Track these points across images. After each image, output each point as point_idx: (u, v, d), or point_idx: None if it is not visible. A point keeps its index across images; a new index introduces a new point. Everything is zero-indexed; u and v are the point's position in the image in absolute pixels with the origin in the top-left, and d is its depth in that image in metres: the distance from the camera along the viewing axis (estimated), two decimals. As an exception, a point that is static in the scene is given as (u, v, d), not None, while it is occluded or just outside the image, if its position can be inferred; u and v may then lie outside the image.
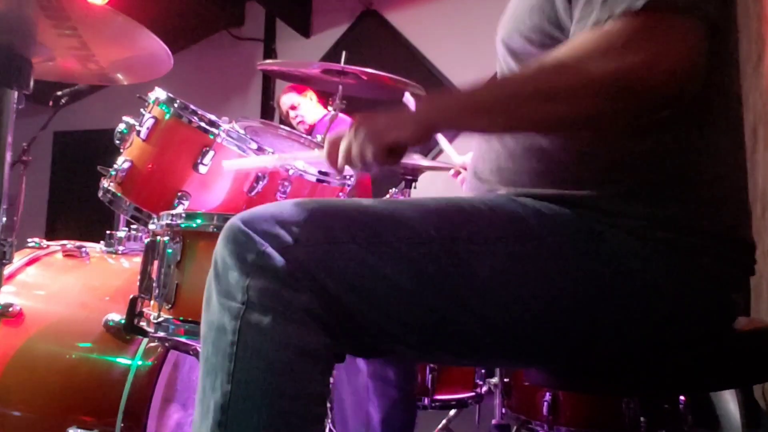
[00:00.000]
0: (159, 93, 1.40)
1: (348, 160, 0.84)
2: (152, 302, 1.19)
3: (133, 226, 1.72)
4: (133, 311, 1.24)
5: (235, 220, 0.79)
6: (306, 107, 3.46)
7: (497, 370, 1.73)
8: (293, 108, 3.46)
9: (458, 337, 0.83)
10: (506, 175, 0.93)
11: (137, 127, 1.41)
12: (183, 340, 1.18)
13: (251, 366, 0.74)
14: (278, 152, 1.38)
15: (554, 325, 0.83)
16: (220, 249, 0.79)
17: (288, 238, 0.76)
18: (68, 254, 1.62)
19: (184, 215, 1.17)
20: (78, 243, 1.65)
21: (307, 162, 1.39)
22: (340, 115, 3.39)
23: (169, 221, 1.18)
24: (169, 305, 1.14)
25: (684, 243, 0.83)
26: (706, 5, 0.75)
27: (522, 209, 0.84)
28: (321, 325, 0.76)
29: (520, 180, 0.90)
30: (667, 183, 0.84)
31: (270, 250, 0.75)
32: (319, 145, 1.67)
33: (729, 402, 1.64)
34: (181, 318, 1.13)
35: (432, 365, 1.76)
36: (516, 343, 0.85)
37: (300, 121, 3.45)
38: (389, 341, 0.83)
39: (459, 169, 1.50)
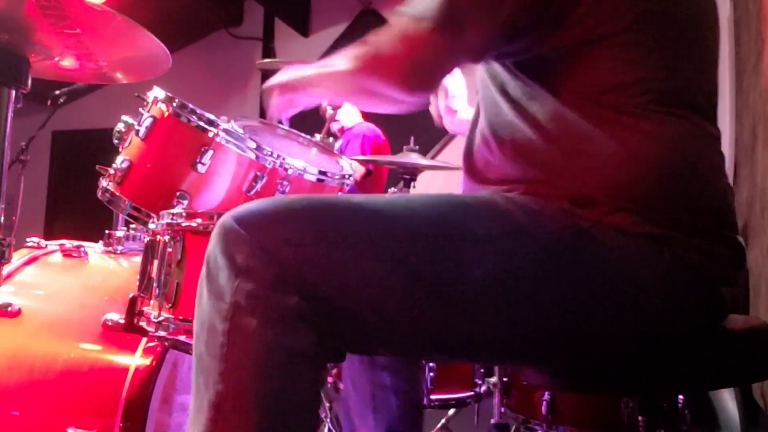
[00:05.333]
0: (158, 92, 1.40)
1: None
2: (152, 302, 1.19)
3: (131, 226, 1.72)
4: (133, 310, 1.24)
5: (227, 218, 0.79)
6: (346, 110, 3.52)
7: (496, 370, 1.73)
8: (336, 107, 3.47)
9: (451, 336, 0.82)
10: (494, 169, 0.94)
11: (136, 127, 1.41)
12: (183, 339, 1.18)
13: (242, 368, 0.74)
14: (276, 151, 1.38)
15: (544, 322, 0.83)
16: (212, 246, 0.79)
17: (278, 238, 0.76)
18: (67, 254, 1.62)
19: (184, 214, 1.17)
20: (77, 242, 1.64)
21: None
22: (368, 124, 3.52)
23: (169, 220, 1.17)
24: (170, 305, 1.14)
25: (671, 239, 0.84)
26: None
27: (511, 205, 0.85)
28: (311, 326, 0.76)
29: (506, 176, 0.92)
30: (654, 178, 0.85)
31: (259, 251, 0.75)
32: (318, 144, 1.67)
33: (728, 401, 1.64)
34: (182, 318, 1.13)
35: (431, 365, 1.77)
36: (506, 341, 0.85)
37: (335, 120, 3.48)
38: (382, 341, 0.83)
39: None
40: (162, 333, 1.15)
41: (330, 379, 1.80)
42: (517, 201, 0.86)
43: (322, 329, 0.77)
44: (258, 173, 1.36)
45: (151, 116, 1.39)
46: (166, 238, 1.17)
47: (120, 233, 1.70)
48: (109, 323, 1.38)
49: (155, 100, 1.40)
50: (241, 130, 1.37)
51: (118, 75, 1.50)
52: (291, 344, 0.74)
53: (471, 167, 1.00)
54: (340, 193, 1.50)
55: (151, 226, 1.25)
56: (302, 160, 1.42)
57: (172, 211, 1.20)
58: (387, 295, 0.78)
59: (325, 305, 0.76)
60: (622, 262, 0.83)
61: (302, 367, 0.76)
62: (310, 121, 1.87)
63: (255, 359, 0.74)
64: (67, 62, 1.40)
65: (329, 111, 3.01)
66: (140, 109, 1.42)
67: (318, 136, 1.78)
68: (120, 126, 1.46)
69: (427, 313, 0.80)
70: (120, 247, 1.67)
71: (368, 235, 0.79)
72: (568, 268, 0.82)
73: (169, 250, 1.16)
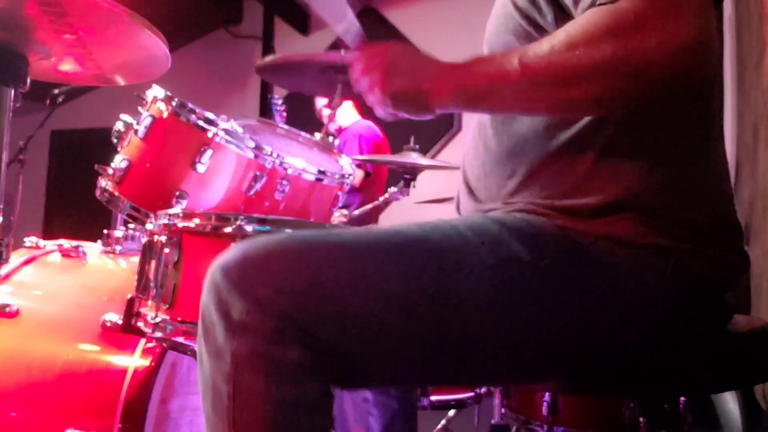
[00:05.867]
0: (157, 91, 1.39)
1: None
2: (149, 302, 1.18)
3: (130, 226, 1.71)
4: (131, 311, 1.23)
5: (216, 271, 0.76)
6: (343, 109, 3.47)
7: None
8: (336, 107, 3.43)
9: (453, 366, 0.82)
10: (491, 183, 0.92)
11: (135, 126, 1.41)
12: (181, 340, 1.17)
13: (251, 429, 0.72)
14: (276, 151, 1.37)
15: (549, 346, 0.82)
16: (205, 300, 0.76)
17: (270, 288, 0.73)
18: (65, 254, 1.62)
19: (181, 215, 1.17)
20: (75, 242, 1.64)
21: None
22: (366, 122, 3.49)
23: (166, 221, 1.17)
24: (167, 305, 1.13)
25: (675, 248, 0.83)
26: None
27: (506, 232, 0.82)
28: (315, 375, 0.74)
29: (504, 190, 0.90)
30: (655, 189, 0.84)
31: (253, 305, 0.72)
32: (318, 144, 1.67)
33: (729, 402, 1.63)
34: (179, 319, 1.12)
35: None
36: (508, 365, 0.84)
37: (332, 121, 3.44)
38: (387, 377, 0.83)
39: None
40: (159, 334, 1.14)
41: None
42: (512, 225, 0.83)
43: (327, 377, 0.75)
44: (257, 173, 1.35)
45: (150, 115, 1.38)
46: (163, 238, 1.16)
47: (118, 233, 1.69)
48: (108, 324, 1.38)
49: (154, 100, 1.39)
50: (240, 130, 1.37)
51: (118, 78, 1.49)
52: (298, 399, 0.73)
53: (467, 179, 0.99)
54: (339, 193, 1.49)
55: (149, 226, 1.24)
56: (302, 159, 1.41)
57: (169, 211, 1.19)
58: (387, 334, 0.77)
59: (327, 351, 0.74)
60: (625, 276, 0.82)
61: (312, 418, 0.74)
62: (309, 122, 1.86)
63: (263, 419, 0.72)
64: (67, 65, 1.39)
65: (327, 111, 2.99)
66: (139, 109, 1.42)
67: (318, 136, 1.78)
68: (119, 125, 1.45)
69: (428, 346, 0.79)
70: (119, 247, 1.66)
71: (362, 276, 0.76)
72: (569, 290, 0.81)
73: (166, 250, 1.15)
